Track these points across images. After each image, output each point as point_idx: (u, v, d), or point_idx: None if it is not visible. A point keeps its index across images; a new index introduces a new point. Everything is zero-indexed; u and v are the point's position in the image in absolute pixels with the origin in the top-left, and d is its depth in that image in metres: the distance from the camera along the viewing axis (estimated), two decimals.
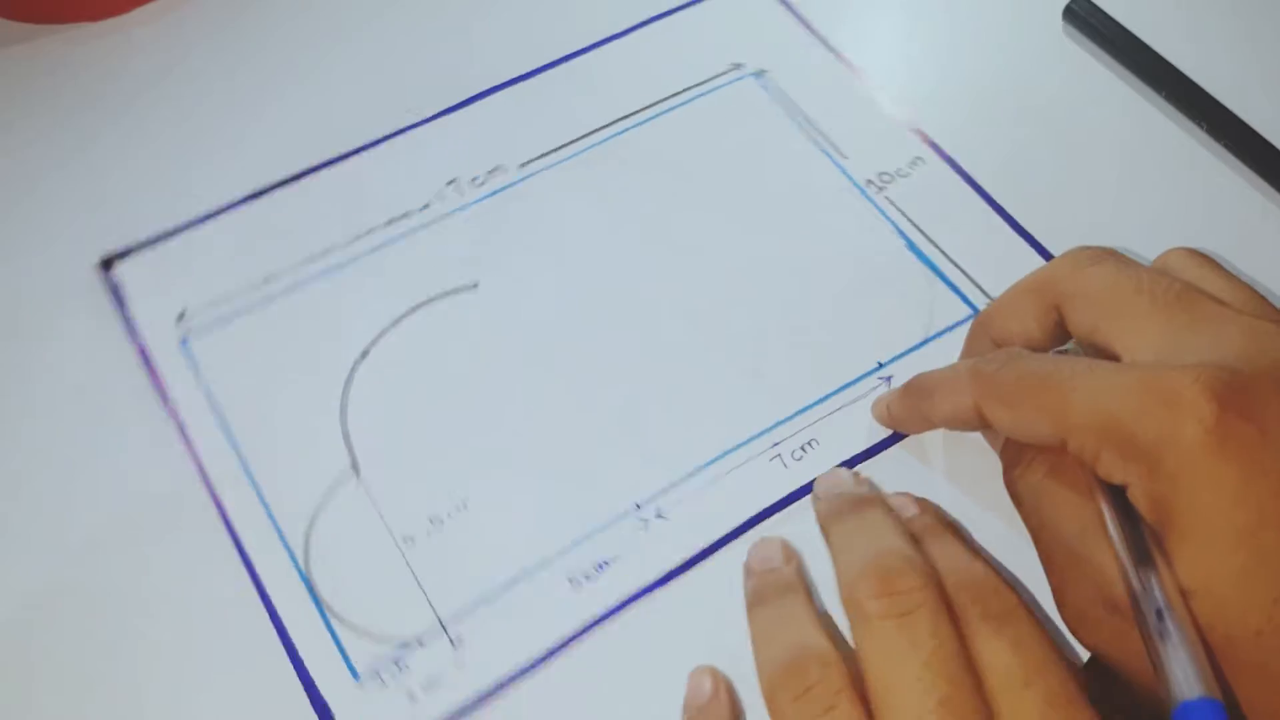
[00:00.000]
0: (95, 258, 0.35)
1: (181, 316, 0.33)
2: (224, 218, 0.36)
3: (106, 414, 0.32)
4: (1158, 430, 0.23)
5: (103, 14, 0.40)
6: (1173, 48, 0.39)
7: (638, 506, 0.31)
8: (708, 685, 0.27)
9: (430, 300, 0.34)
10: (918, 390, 0.30)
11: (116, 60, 0.39)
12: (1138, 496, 0.24)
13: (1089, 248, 0.28)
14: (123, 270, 0.34)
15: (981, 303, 0.34)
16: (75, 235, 0.35)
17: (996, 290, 0.34)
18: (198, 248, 0.35)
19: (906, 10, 0.41)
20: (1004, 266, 0.35)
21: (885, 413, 0.31)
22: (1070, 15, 0.40)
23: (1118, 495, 0.24)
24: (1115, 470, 0.24)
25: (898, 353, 0.33)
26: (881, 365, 0.33)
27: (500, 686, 0.28)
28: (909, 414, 0.30)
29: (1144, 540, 0.24)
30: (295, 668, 0.28)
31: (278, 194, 0.36)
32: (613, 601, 0.29)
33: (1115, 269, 0.27)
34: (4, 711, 0.27)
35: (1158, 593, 0.23)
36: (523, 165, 0.37)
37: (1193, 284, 0.26)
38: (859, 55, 0.40)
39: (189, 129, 0.37)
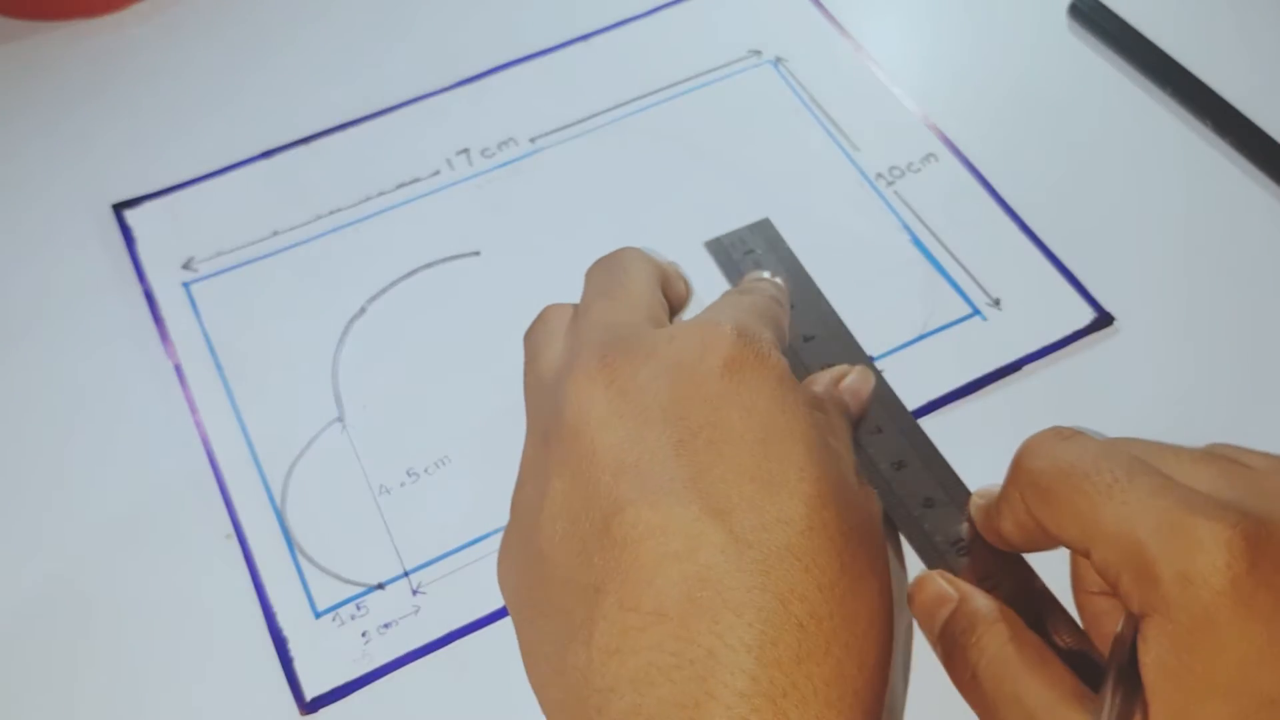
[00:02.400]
0: (109, 203, 0.36)
1: (188, 263, 0.35)
2: (235, 173, 0.37)
3: (109, 344, 0.33)
4: (1183, 568, 0.21)
5: (104, 9, 0.41)
6: (1178, 45, 0.38)
7: None
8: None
9: (432, 264, 0.35)
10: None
11: (120, 45, 0.40)
12: (1152, 633, 0.21)
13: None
14: (134, 216, 0.36)
15: (982, 302, 0.34)
16: (91, 183, 0.37)
17: (997, 289, 0.34)
18: (208, 199, 0.36)
19: (927, 4, 0.41)
20: (1010, 266, 0.34)
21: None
22: (1075, 13, 0.39)
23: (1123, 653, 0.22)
24: (1133, 598, 0.22)
25: (892, 347, 0.33)
26: (874, 359, 0.33)
27: (452, 636, 0.28)
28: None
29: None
30: (259, 598, 0.29)
31: (289, 153, 0.37)
32: None
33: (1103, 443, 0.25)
34: None
35: None
36: (533, 139, 0.38)
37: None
38: (878, 48, 0.40)
39: (201, 96, 0.39)
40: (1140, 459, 0.23)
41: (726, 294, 0.31)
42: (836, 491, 0.23)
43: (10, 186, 0.37)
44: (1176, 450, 0.24)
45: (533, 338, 0.29)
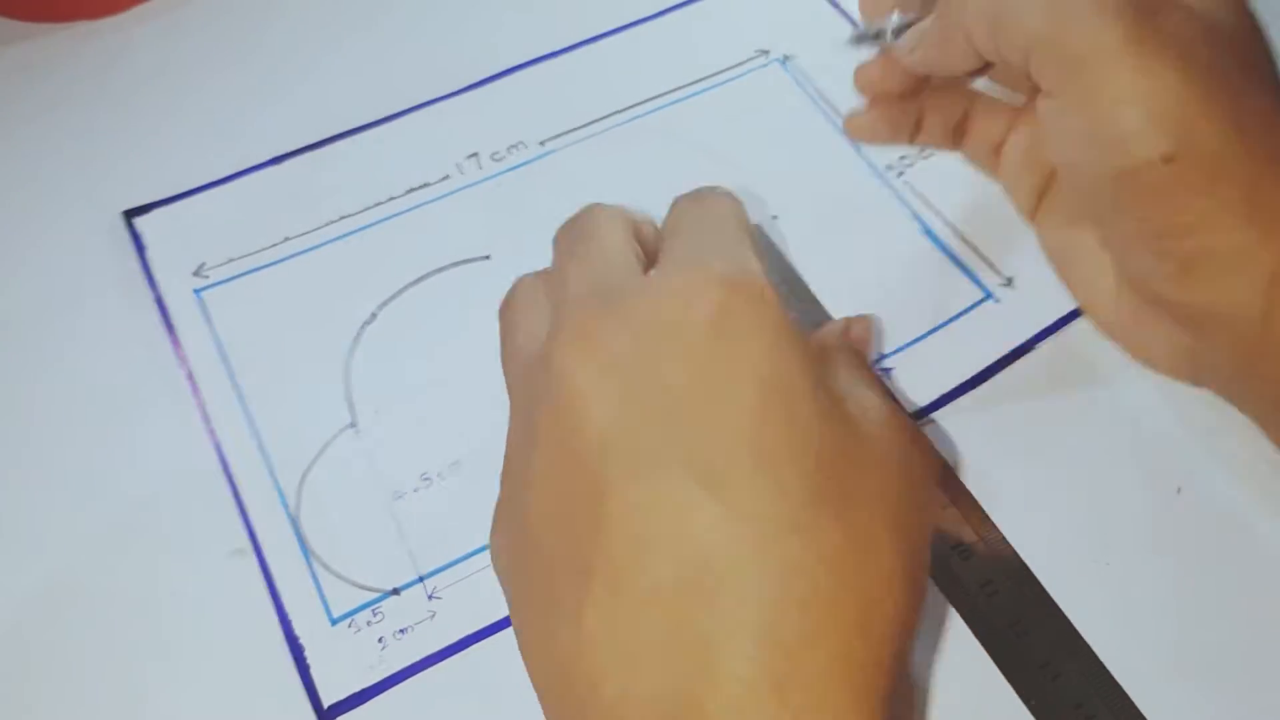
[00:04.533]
0: (119, 210, 0.36)
1: (199, 269, 0.35)
2: (245, 180, 0.37)
3: (120, 351, 0.33)
4: (1084, 39, 0.23)
5: (102, 12, 0.41)
6: None
7: None
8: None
9: (443, 269, 0.35)
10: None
11: (124, 48, 0.40)
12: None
13: None
14: (144, 223, 0.36)
15: (994, 284, 0.34)
16: (101, 189, 0.37)
17: (1010, 268, 0.34)
18: (218, 206, 0.36)
19: None
20: (1020, 242, 0.34)
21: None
22: None
23: None
24: (1045, 78, 0.24)
25: (905, 342, 0.33)
26: (883, 356, 0.32)
27: (469, 641, 0.28)
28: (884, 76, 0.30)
29: None
30: (274, 605, 0.29)
31: (299, 159, 0.37)
32: None
33: None
34: None
35: None
36: (543, 143, 0.37)
37: None
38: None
39: (208, 101, 0.39)
40: None
41: (684, 210, 0.28)
42: (840, 453, 0.22)
43: (20, 192, 0.37)
44: None
45: (507, 313, 0.28)
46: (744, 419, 0.22)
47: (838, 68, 0.38)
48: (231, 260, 0.35)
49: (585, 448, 0.22)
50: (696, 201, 0.28)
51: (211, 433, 0.32)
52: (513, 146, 0.37)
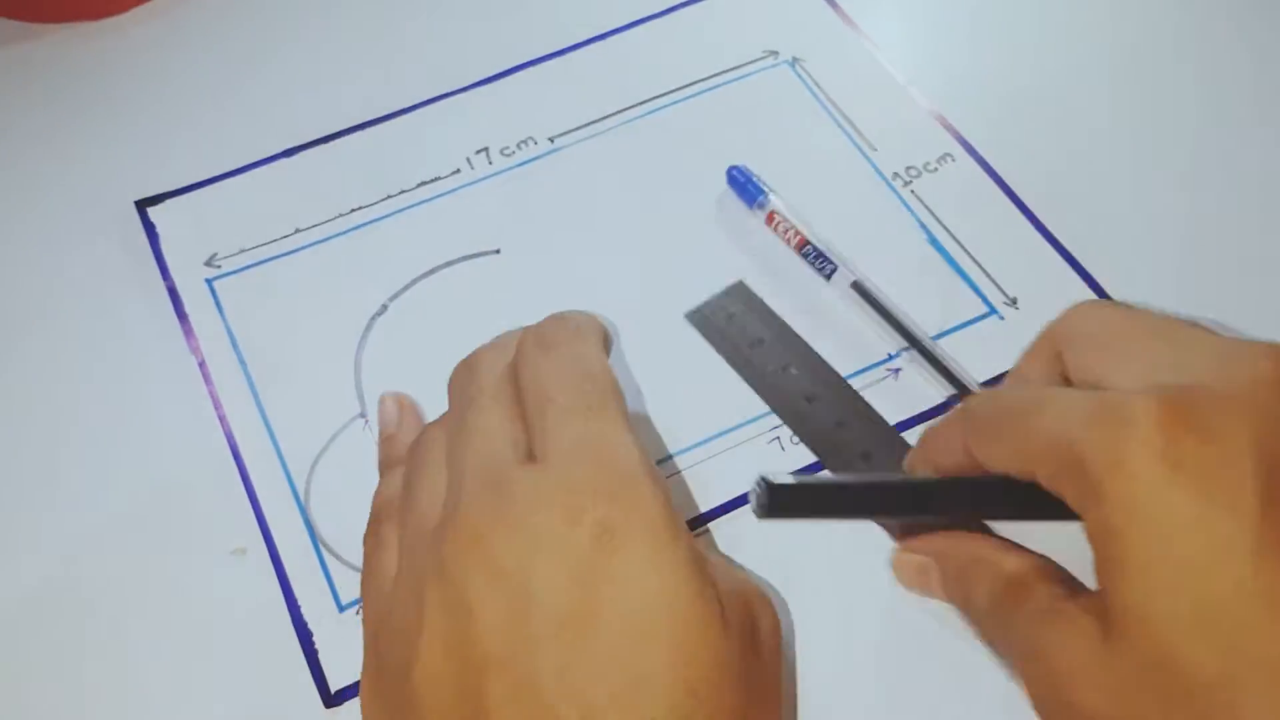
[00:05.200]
0: (132, 200, 0.36)
1: (211, 259, 0.35)
2: (257, 171, 0.37)
3: (133, 341, 0.34)
4: (1107, 455, 0.21)
5: (102, 13, 0.41)
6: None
7: None
8: (392, 409, 0.31)
9: (452, 262, 0.35)
10: (922, 439, 0.28)
11: (132, 45, 0.41)
12: (1090, 531, 0.22)
13: (1095, 300, 0.27)
14: (157, 213, 0.36)
15: (999, 301, 0.34)
16: (114, 180, 0.37)
17: (1014, 289, 0.34)
18: (230, 197, 0.37)
19: (943, 3, 0.41)
20: (1026, 266, 0.35)
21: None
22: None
23: None
24: (1074, 501, 0.22)
25: (908, 347, 0.33)
26: (891, 357, 0.33)
27: None
28: (920, 464, 0.29)
29: None
30: (284, 592, 0.29)
31: (310, 152, 0.38)
32: None
33: (1112, 309, 0.26)
34: None
35: None
36: (552, 139, 0.38)
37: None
38: (894, 47, 0.40)
39: (219, 94, 0.39)
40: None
41: (538, 366, 0.26)
42: (713, 670, 0.22)
43: (34, 185, 0.37)
44: (1139, 333, 0.25)
45: (412, 463, 0.27)
46: (618, 641, 0.22)
47: (845, 72, 0.39)
48: (243, 250, 0.35)
49: (469, 660, 0.22)
50: (546, 351, 0.27)
51: (223, 420, 0.32)
52: (522, 142, 0.38)
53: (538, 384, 0.26)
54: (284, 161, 0.37)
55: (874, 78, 0.39)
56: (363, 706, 0.25)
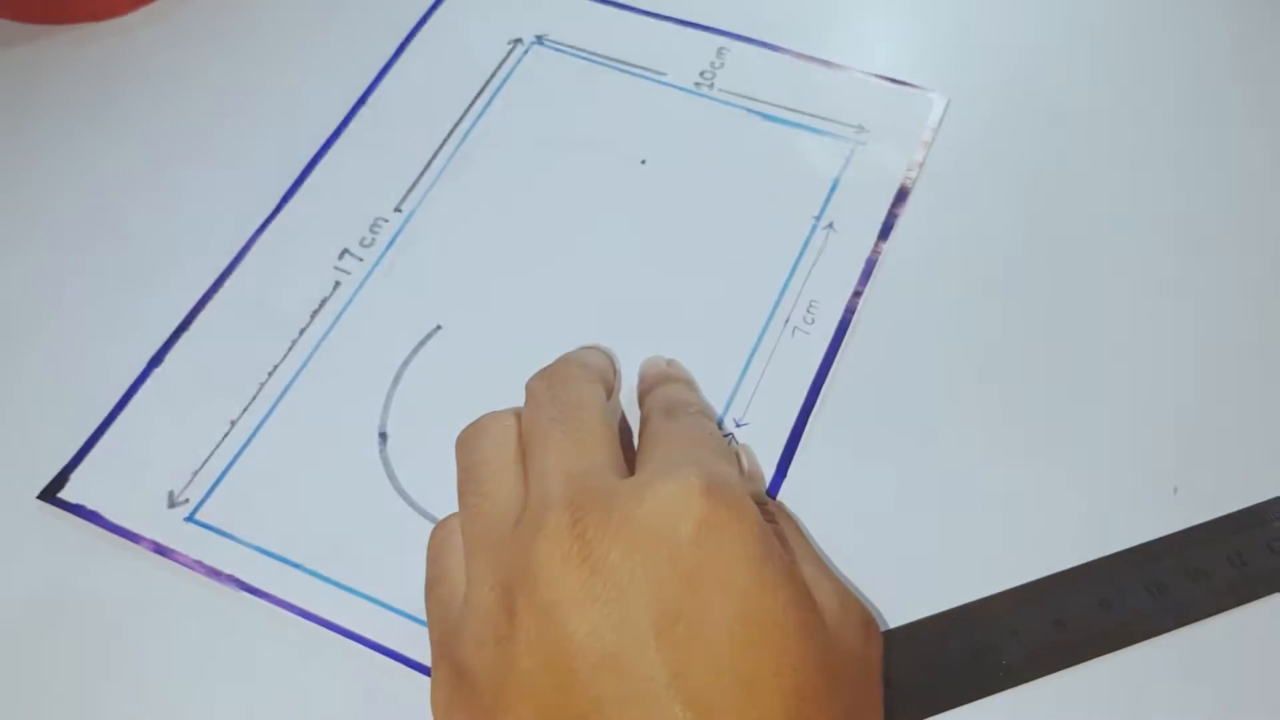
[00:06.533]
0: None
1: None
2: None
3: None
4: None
5: (105, 14, 0.40)
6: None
7: None
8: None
9: None
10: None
11: (135, 47, 0.39)
12: None
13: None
14: None
15: (850, 134, 0.37)
16: (114, 185, 0.36)
17: (856, 118, 0.37)
18: None
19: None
20: (847, 101, 0.38)
21: None
22: None
23: None
24: None
25: (815, 215, 0.35)
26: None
27: None
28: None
29: None
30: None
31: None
32: None
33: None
34: None
35: None
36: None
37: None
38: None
39: (219, 99, 0.38)
40: None
41: (658, 426, 0.28)
42: (819, 675, 0.22)
43: (34, 186, 0.36)
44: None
45: (472, 453, 0.26)
46: (728, 643, 0.22)
47: (597, 29, 0.40)
48: None
49: (574, 662, 0.21)
50: (671, 418, 0.28)
51: None
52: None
53: (653, 435, 0.27)
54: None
55: (624, 23, 0.40)
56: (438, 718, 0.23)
